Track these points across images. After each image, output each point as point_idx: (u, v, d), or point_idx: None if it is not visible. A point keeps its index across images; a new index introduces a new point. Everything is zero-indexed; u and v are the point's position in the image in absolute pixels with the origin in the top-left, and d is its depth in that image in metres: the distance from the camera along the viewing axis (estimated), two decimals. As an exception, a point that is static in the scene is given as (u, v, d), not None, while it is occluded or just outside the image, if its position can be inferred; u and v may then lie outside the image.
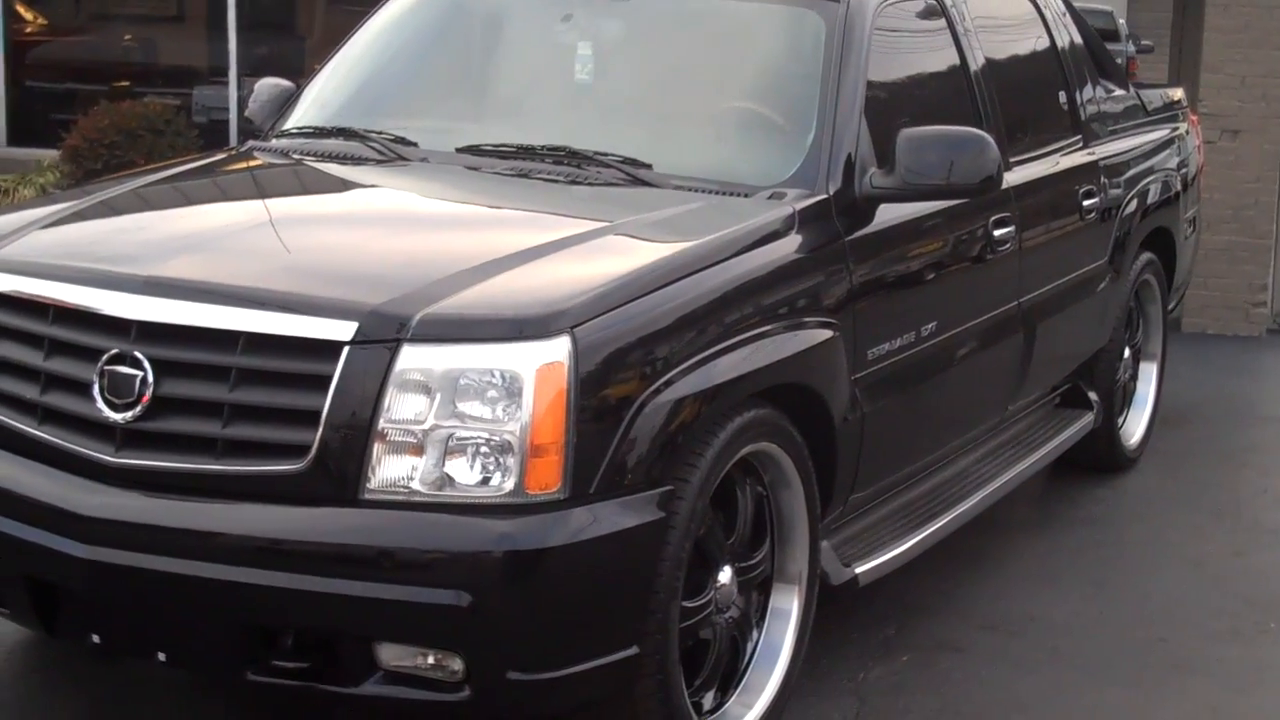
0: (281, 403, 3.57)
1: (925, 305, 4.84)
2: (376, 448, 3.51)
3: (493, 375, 3.51)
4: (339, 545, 3.51)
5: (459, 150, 4.74)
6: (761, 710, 4.20)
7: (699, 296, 3.88)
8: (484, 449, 3.51)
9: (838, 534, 4.69)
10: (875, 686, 4.70)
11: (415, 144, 4.82)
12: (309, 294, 3.66)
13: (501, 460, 3.51)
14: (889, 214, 4.65)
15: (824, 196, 4.45)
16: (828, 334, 4.31)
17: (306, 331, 3.58)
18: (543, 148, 4.64)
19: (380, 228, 4.30)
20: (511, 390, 3.50)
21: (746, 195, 4.43)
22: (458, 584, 3.46)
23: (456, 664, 3.54)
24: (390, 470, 3.52)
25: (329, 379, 3.54)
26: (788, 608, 4.34)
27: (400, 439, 3.52)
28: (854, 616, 5.11)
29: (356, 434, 3.51)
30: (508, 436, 3.50)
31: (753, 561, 4.21)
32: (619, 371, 3.63)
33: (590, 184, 4.50)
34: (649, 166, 4.54)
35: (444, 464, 3.51)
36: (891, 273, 4.68)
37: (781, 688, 4.26)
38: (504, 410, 3.51)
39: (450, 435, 3.52)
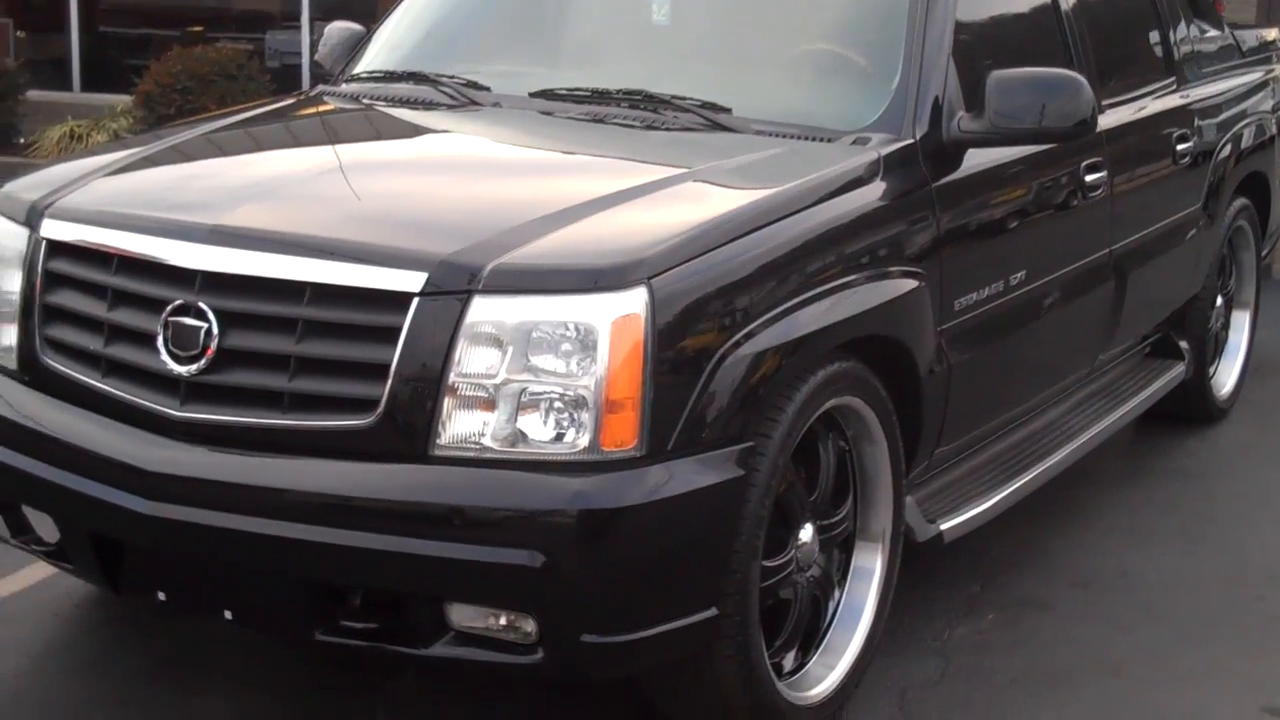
0: (349, 355, 3.46)
1: (1014, 253, 4.67)
2: (447, 402, 3.40)
3: (567, 328, 3.39)
4: (408, 503, 3.40)
5: (532, 95, 4.60)
6: (843, 671, 4.08)
7: (780, 245, 3.73)
8: (558, 404, 3.39)
9: (922, 489, 4.55)
10: (960, 645, 4.56)
11: (488, 88, 4.69)
12: (378, 244, 3.54)
13: (576, 416, 3.38)
14: (977, 159, 4.47)
15: (910, 141, 4.28)
16: (913, 284, 4.15)
17: (375, 282, 3.46)
18: (618, 92, 4.50)
19: (452, 174, 4.17)
20: (586, 343, 3.38)
21: (830, 140, 4.27)
22: (531, 544, 3.34)
23: (530, 626, 3.43)
24: (461, 426, 3.41)
25: (398, 331, 3.42)
26: (871, 566, 4.21)
27: (471, 393, 3.40)
28: (938, 573, 4.97)
29: (426, 388, 3.40)
30: (582, 391, 3.38)
31: (835, 519, 4.08)
32: (698, 323, 3.49)
33: (667, 129, 4.35)
34: (728, 110, 4.39)
35: (516, 419, 3.39)
36: (980, 220, 4.51)
37: (864, 649, 4.14)
38: (579, 364, 3.38)
39: (523, 390, 3.39)
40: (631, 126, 4.36)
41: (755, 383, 3.58)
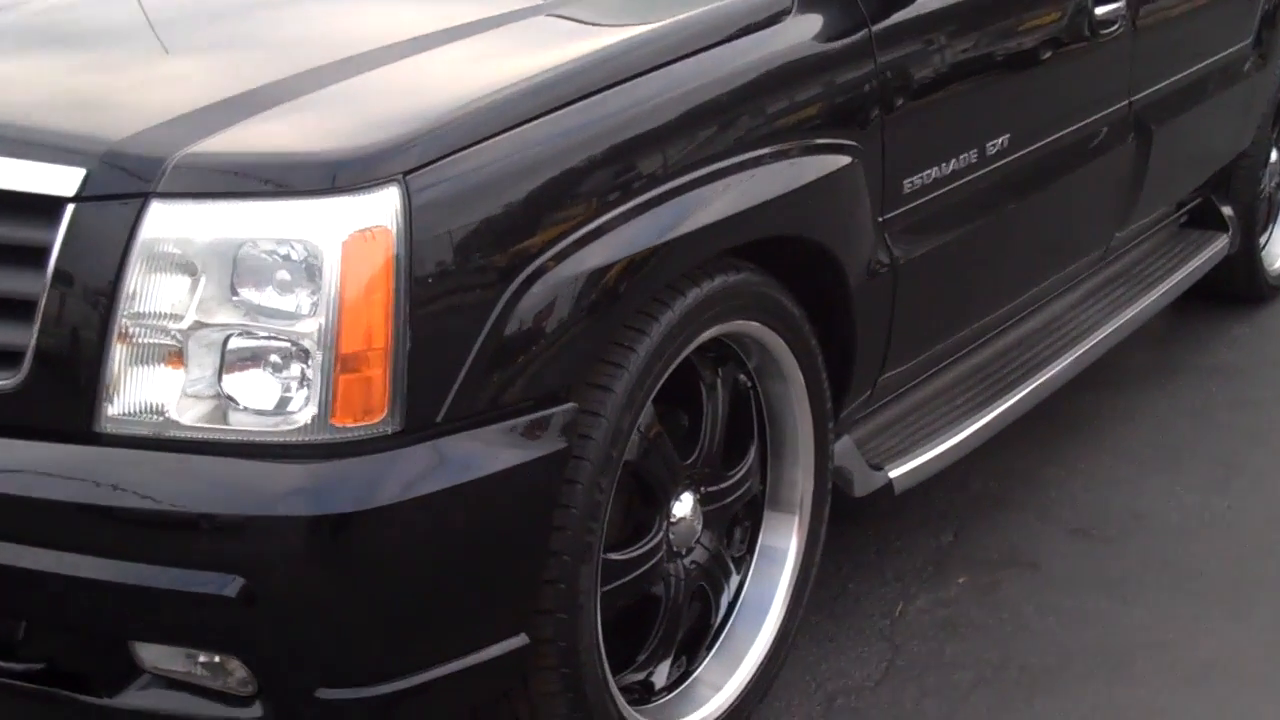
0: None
1: (992, 113, 3.53)
2: (117, 356, 2.34)
3: (281, 248, 2.31)
4: (61, 501, 2.35)
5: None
6: (740, 685, 3.05)
7: (622, 118, 2.62)
8: (274, 359, 2.32)
9: (863, 426, 3.47)
10: (915, 625, 3.51)
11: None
12: (23, 128, 2.45)
13: (296, 378, 2.31)
14: (940, -13, 3.32)
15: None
16: (840, 161, 3.03)
17: (14, 183, 2.39)
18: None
19: (166, 31, 3.02)
20: (309, 272, 2.30)
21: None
22: (225, 565, 2.30)
23: (241, 670, 2.40)
24: (137, 390, 2.35)
25: (47, 253, 2.35)
26: (783, 545, 3.16)
27: (150, 342, 2.34)
28: (902, 517, 3.91)
29: (87, 335, 2.34)
30: (303, 342, 2.30)
31: (727, 483, 3.01)
32: (486, 237, 2.40)
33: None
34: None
35: (219, 380, 2.33)
36: (941, 69, 3.35)
37: (771, 654, 3.10)
38: (298, 303, 2.31)
39: (225, 339, 2.33)
40: None
41: (582, 316, 2.50)
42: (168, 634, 2.39)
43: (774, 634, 3.11)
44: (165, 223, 2.32)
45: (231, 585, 2.29)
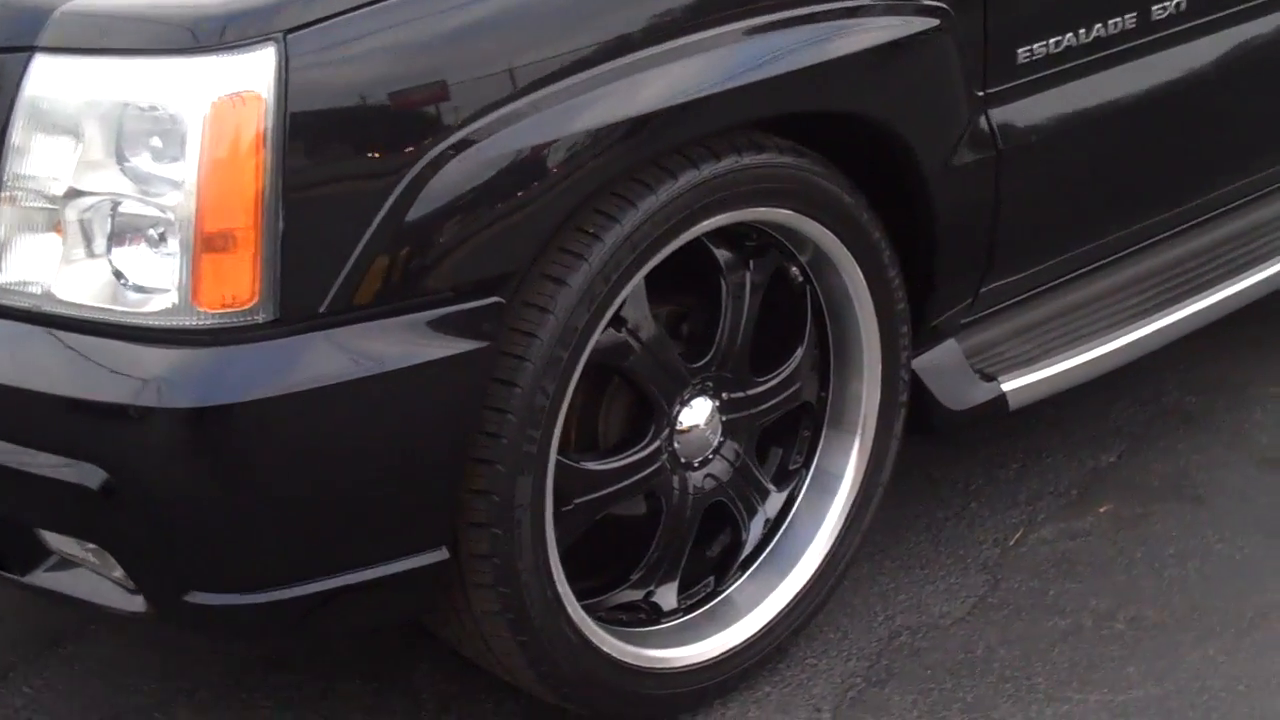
0: None
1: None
2: (4, 220, 2.18)
3: (152, 109, 2.09)
4: None
5: None
6: (767, 616, 2.73)
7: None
8: (151, 235, 2.12)
9: (981, 330, 3.04)
10: (1030, 559, 3.12)
11: None
12: None
13: (162, 254, 2.11)
14: None
15: None
16: (920, 24, 2.60)
17: None
18: None
19: None
20: (176, 138, 2.07)
21: None
22: (88, 454, 2.13)
23: (116, 566, 2.24)
24: (19, 259, 2.19)
25: None
26: (839, 466, 2.80)
27: (34, 206, 2.17)
28: (1065, 429, 3.47)
29: None
30: (168, 215, 2.09)
31: (756, 390, 2.66)
32: (387, 109, 2.12)
33: None
34: None
35: (103, 254, 2.15)
36: None
37: (810, 585, 2.77)
38: (168, 172, 2.09)
39: (101, 206, 2.13)
40: None
41: (518, 199, 2.20)
42: (48, 521, 2.26)
43: (819, 562, 2.77)
44: (47, 78, 2.13)
45: (93, 476, 2.13)
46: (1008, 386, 2.97)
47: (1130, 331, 3.15)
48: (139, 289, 2.11)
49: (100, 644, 2.88)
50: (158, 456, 2.11)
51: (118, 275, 2.12)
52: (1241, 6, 3.13)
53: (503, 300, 2.22)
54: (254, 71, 2.04)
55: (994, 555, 3.12)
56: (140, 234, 2.10)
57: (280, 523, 2.18)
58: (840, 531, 2.79)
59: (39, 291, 2.16)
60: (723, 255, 2.56)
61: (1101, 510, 3.25)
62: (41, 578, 2.34)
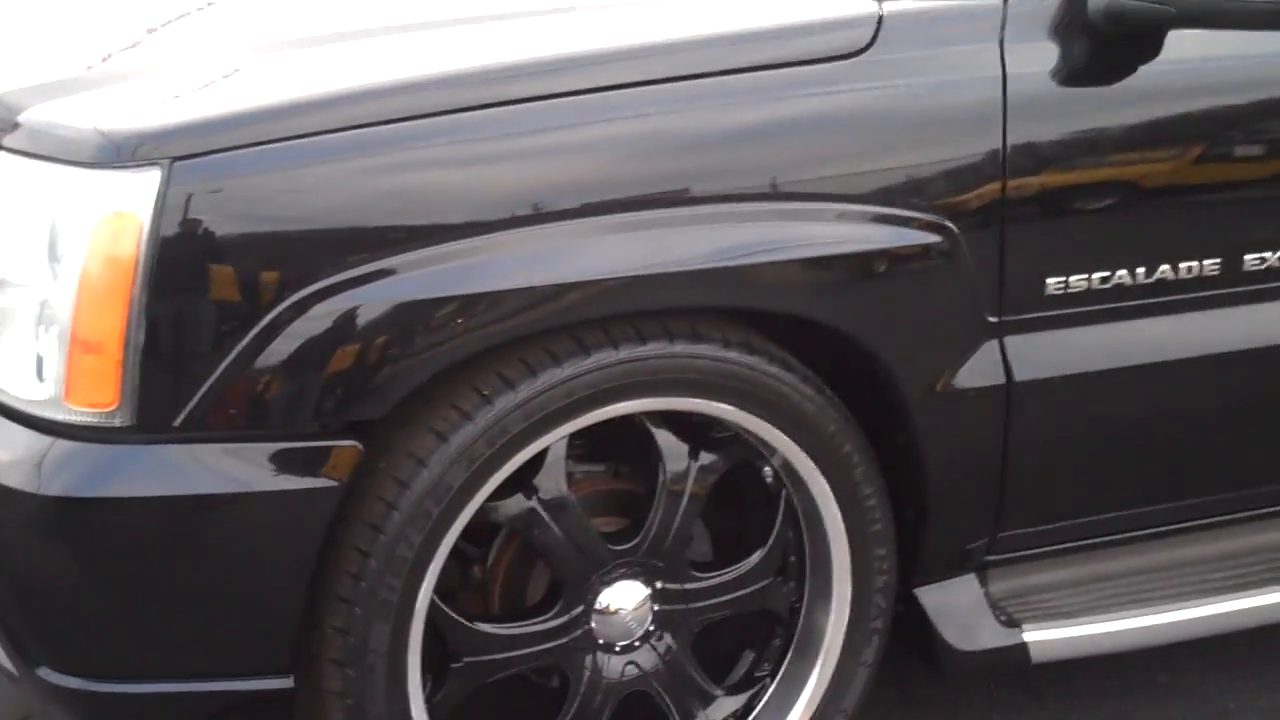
0: None
1: (1228, 214, 2.76)
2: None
3: (54, 214, 2.27)
4: None
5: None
6: None
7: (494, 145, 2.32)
8: (40, 328, 2.29)
9: (1002, 580, 2.84)
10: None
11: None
12: None
13: (47, 349, 2.27)
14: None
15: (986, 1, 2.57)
16: (912, 237, 2.51)
17: None
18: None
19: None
20: (63, 241, 2.25)
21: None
22: (-36, 521, 2.31)
23: None
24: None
25: None
26: (797, 689, 2.69)
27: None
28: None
29: None
30: (53, 313, 2.25)
31: (695, 585, 2.59)
32: (263, 245, 2.23)
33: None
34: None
35: (7, 335, 2.34)
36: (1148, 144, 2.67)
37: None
38: (55, 271, 2.26)
39: (17, 295, 2.32)
40: None
41: (376, 352, 2.25)
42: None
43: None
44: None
45: (-33, 543, 2.30)
46: (1032, 636, 2.78)
47: (1198, 608, 2.87)
48: (24, 376, 2.28)
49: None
50: (12, 533, 2.26)
51: (8, 360, 2.29)
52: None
53: (359, 445, 2.27)
54: (137, 192, 2.18)
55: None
56: (33, 326, 2.27)
57: (120, 619, 2.29)
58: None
59: None
60: (664, 439, 2.52)
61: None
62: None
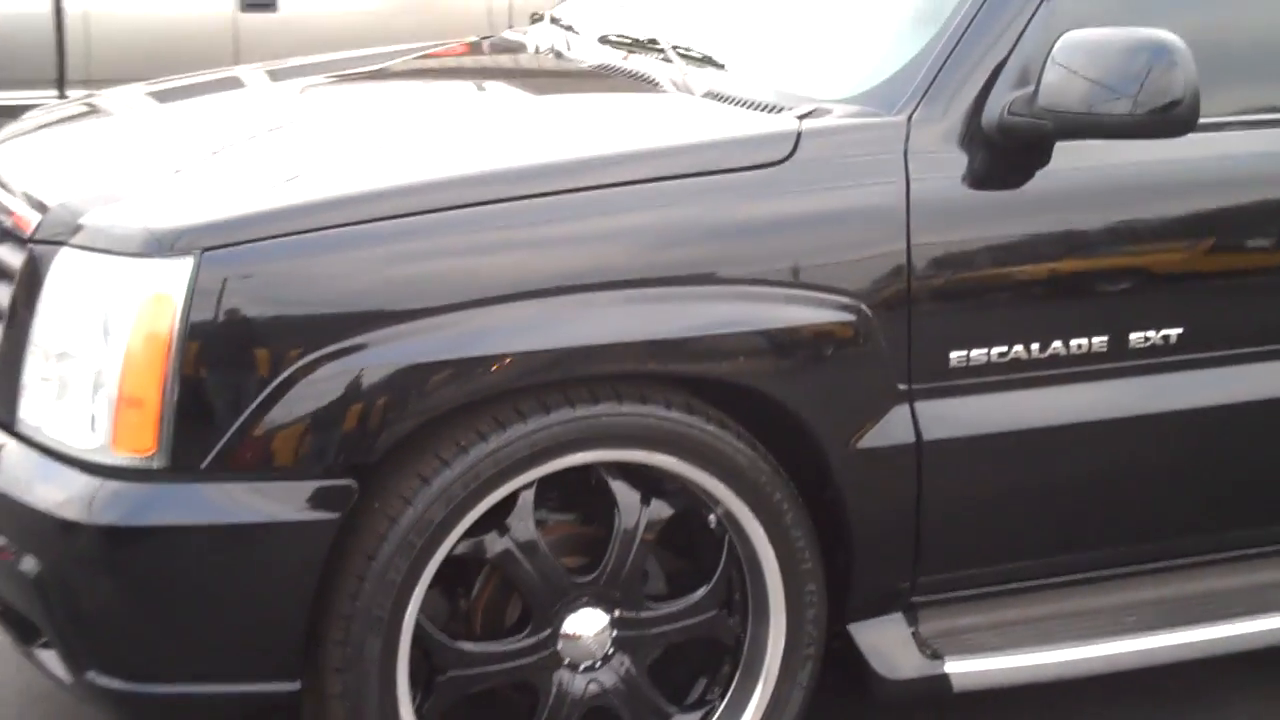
0: None
1: (1115, 298, 3.19)
2: (27, 366, 2.91)
3: (107, 297, 2.78)
4: None
5: (599, 40, 3.81)
6: None
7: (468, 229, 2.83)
8: (93, 387, 2.79)
9: (945, 617, 3.25)
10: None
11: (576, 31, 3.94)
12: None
13: (98, 406, 2.77)
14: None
15: (881, 118, 3.04)
16: (827, 315, 2.96)
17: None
18: (648, 41, 3.60)
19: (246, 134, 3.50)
20: (117, 319, 2.75)
21: (779, 111, 3.13)
22: (33, 548, 2.80)
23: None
24: (32, 397, 2.90)
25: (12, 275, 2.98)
26: (743, 708, 3.12)
27: (41, 359, 2.88)
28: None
29: (17, 347, 2.93)
30: (107, 377, 2.76)
31: (649, 614, 3.03)
32: (275, 318, 2.73)
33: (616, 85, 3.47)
34: (721, 66, 3.37)
35: (65, 397, 2.84)
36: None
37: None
38: (110, 344, 2.76)
39: (74, 365, 2.83)
40: (608, 79, 3.58)
41: (366, 405, 2.73)
42: (17, 602, 2.92)
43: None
44: (63, 264, 2.85)
45: (32, 562, 2.79)
46: (953, 668, 3.17)
47: (1102, 645, 3.26)
48: (81, 430, 2.77)
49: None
50: (68, 557, 2.75)
51: (72, 418, 2.79)
52: (1236, 351, 3.26)
53: (355, 484, 2.74)
54: (173, 277, 2.69)
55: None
56: (88, 388, 2.77)
57: (151, 628, 2.76)
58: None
59: (37, 424, 2.86)
60: (619, 489, 2.97)
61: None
62: (36, 652, 3.00)
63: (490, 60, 4.17)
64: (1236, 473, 3.33)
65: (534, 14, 4.22)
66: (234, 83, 4.17)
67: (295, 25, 8.01)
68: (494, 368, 2.77)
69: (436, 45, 4.41)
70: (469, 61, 4.20)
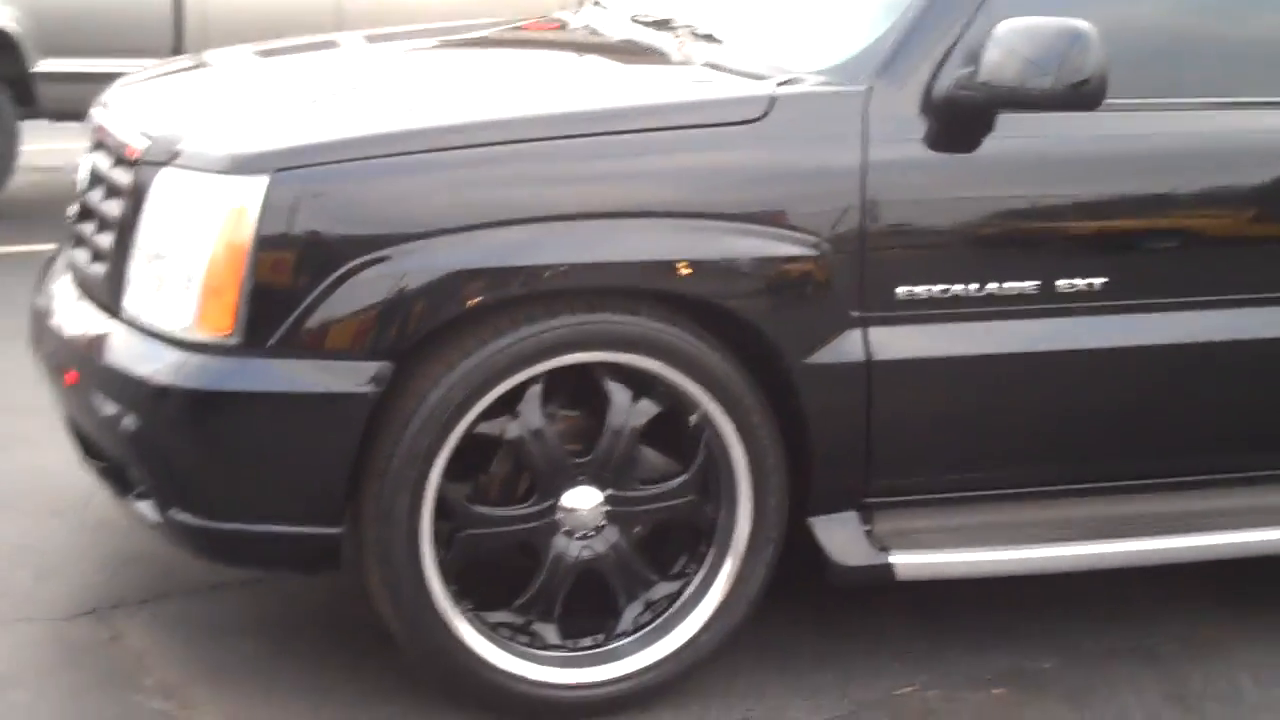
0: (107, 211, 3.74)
1: (1046, 248, 3.76)
2: (131, 265, 3.57)
3: (197, 207, 3.43)
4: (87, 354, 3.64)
5: (632, 19, 4.43)
6: (614, 679, 3.63)
7: (494, 162, 3.46)
8: (184, 280, 3.43)
9: (898, 519, 3.81)
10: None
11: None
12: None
13: (187, 293, 3.42)
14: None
15: (853, 89, 3.62)
16: (792, 250, 3.55)
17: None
18: (663, 19, 4.23)
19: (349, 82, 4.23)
20: (204, 225, 3.40)
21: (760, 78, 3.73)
22: (133, 407, 3.46)
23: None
24: (134, 290, 3.56)
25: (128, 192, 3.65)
26: (716, 578, 3.69)
27: (144, 259, 3.54)
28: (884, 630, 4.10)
29: (123, 249, 3.59)
30: (195, 272, 3.40)
31: (637, 493, 3.62)
32: (328, 228, 3.36)
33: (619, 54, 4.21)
34: (718, 41, 4.00)
35: (161, 289, 3.49)
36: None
37: (651, 669, 3.65)
38: (198, 244, 3.41)
39: (169, 263, 3.48)
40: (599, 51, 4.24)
41: (402, 303, 3.35)
42: (119, 453, 3.57)
43: (686, 639, 3.66)
44: (163, 182, 3.51)
45: (132, 420, 3.45)
46: (896, 559, 3.73)
47: (1033, 550, 3.82)
48: (174, 315, 3.43)
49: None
50: (159, 414, 3.40)
51: (166, 306, 3.45)
52: (1153, 300, 3.81)
53: (392, 363, 3.36)
54: (250, 192, 3.33)
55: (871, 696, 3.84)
56: (180, 281, 3.42)
57: (223, 474, 3.41)
58: (707, 621, 3.67)
59: (138, 311, 3.52)
60: (613, 388, 3.57)
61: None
62: (132, 502, 3.65)
63: (538, 35, 4.82)
64: (1145, 407, 3.89)
65: None
66: (327, 46, 4.85)
67: (395, 7, 8.66)
68: (515, 277, 3.38)
69: (499, 22, 5.07)
70: (521, 35, 4.85)
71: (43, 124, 8.47)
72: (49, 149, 8.97)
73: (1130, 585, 4.27)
